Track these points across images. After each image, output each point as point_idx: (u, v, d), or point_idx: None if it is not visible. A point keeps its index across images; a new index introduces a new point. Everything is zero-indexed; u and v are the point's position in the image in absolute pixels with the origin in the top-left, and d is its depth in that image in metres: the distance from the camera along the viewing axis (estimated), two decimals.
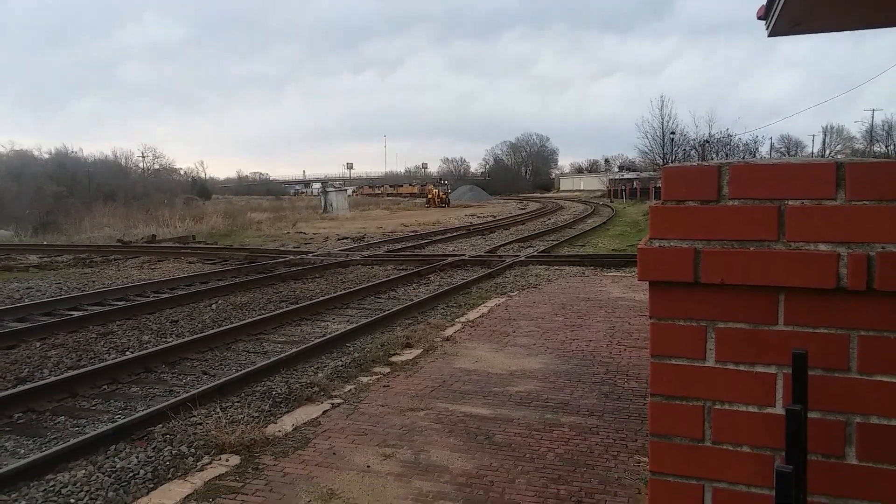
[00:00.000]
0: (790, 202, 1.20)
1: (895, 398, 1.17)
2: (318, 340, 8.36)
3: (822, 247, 1.18)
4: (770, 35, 7.02)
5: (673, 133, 65.68)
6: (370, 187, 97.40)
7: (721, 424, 1.28)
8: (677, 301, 1.29)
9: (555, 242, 21.47)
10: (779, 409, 1.23)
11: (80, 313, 10.59)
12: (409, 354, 7.32)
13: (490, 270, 14.40)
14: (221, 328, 9.25)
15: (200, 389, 6.34)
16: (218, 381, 6.62)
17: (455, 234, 25.88)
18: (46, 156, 57.11)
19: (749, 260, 1.21)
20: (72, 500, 4.43)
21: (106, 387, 6.98)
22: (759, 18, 6.85)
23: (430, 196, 58.59)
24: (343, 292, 12.12)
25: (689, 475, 1.30)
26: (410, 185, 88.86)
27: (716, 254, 1.24)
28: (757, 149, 66.81)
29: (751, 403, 1.25)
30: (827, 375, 1.21)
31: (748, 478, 1.26)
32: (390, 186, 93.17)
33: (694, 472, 1.30)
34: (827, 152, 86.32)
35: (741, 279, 1.22)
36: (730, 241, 1.24)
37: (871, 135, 78.33)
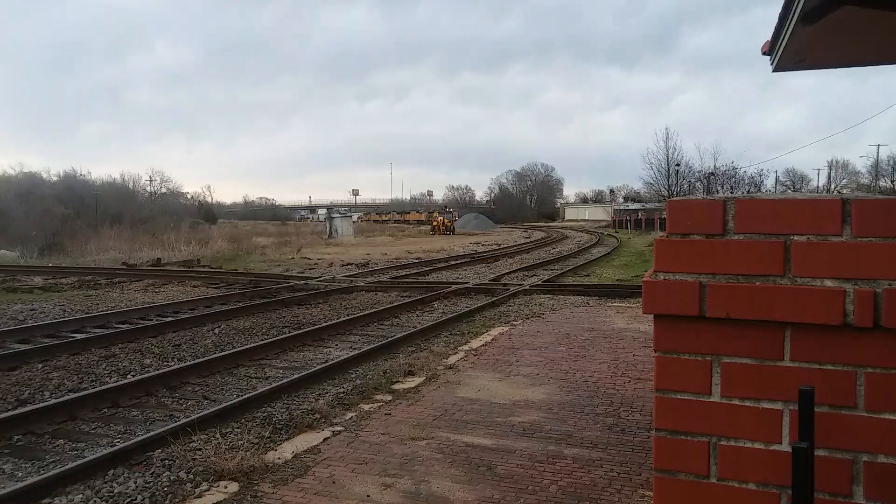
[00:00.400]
0: (796, 237, 1.20)
1: None
2: (319, 367, 8.32)
3: (829, 283, 1.17)
4: (775, 70, 7.07)
5: (678, 165, 65.93)
6: (377, 214, 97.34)
7: (727, 461, 1.26)
8: (682, 335, 1.28)
9: (559, 272, 21.44)
10: (785, 447, 1.21)
11: (83, 336, 10.58)
12: (411, 382, 7.27)
13: (494, 299, 14.37)
14: (223, 353, 9.22)
15: (200, 414, 6.30)
16: (218, 407, 6.59)
17: (459, 261, 25.89)
18: (55, 178, 57.67)
19: (755, 295, 1.21)
20: None
21: (106, 410, 6.95)
22: (764, 54, 6.91)
23: (434, 224, 58.76)
24: (346, 318, 12.10)
25: None
26: (417, 212, 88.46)
27: (721, 288, 1.24)
28: (762, 182, 66.91)
29: (757, 440, 1.24)
30: (834, 413, 1.19)
31: None
32: (397, 213, 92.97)
33: None
34: (832, 187, 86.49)
35: (747, 314, 1.22)
36: (735, 275, 1.23)
37: (876, 169, 78.54)
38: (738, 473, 1.25)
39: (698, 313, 1.25)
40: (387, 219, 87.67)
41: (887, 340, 1.15)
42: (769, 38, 6.64)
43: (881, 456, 1.17)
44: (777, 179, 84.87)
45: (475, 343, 9.48)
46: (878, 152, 79.12)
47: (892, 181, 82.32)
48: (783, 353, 1.22)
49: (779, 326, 1.21)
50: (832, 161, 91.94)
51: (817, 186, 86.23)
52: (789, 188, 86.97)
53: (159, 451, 5.52)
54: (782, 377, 1.22)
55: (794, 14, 5.18)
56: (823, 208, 1.19)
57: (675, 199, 1.32)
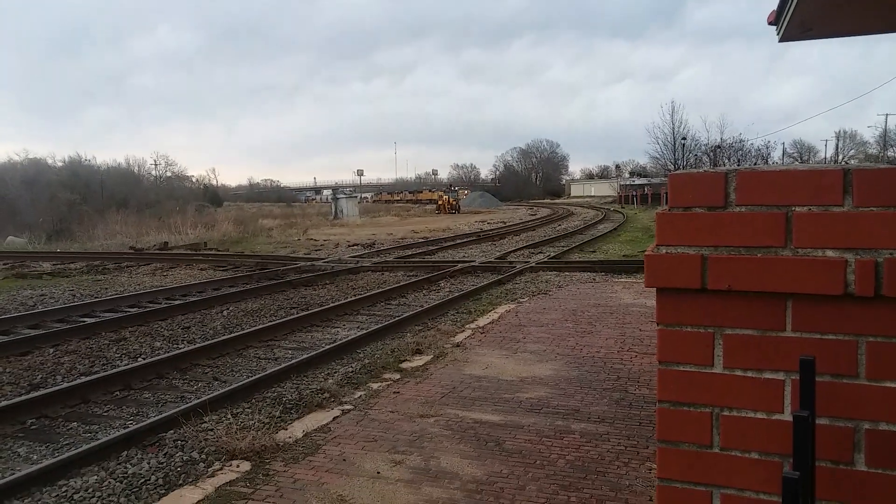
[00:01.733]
0: (797, 209, 1.20)
1: None
2: (328, 347, 8.38)
3: (830, 253, 1.18)
4: (781, 40, 7.00)
5: (684, 139, 65.41)
6: (388, 193, 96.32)
7: (729, 431, 1.27)
8: (685, 307, 1.29)
9: (565, 248, 21.43)
10: (787, 416, 1.23)
11: (93, 320, 10.67)
12: (419, 361, 7.32)
13: (500, 276, 14.39)
14: (232, 335, 9.29)
15: (211, 396, 6.37)
16: (229, 388, 6.65)
17: (465, 240, 25.89)
18: (60, 164, 57.66)
19: (756, 266, 1.22)
20: None
21: (118, 393, 7.03)
22: (770, 24, 6.83)
23: (440, 202, 58.68)
24: (353, 298, 12.15)
25: (697, 482, 1.30)
26: (430, 191, 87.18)
27: (723, 260, 1.24)
28: (769, 154, 66.32)
29: (759, 410, 1.25)
30: (835, 382, 1.20)
31: (757, 484, 1.25)
32: (409, 193, 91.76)
33: (702, 479, 1.30)
34: (840, 157, 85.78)
35: (749, 285, 1.22)
36: (737, 247, 1.24)
37: (884, 139, 77.72)
38: (740, 443, 1.26)
39: (700, 286, 1.26)
40: (399, 198, 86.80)
41: (888, 309, 1.15)
42: (775, 7, 6.57)
43: (882, 423, 1.18)
44: (784, 151, 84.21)
45: (482, 321, 9.52)
46: (885, 122, 78.66)
47: None
48: (785, 324, 1.23)
49: (780, 297, 1.22)
50: (840, 132, 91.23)
51: (825, 157, 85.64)
52: (796, 160, 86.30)
53: (171, 432, 5.59)
54: (784, 347, 1.23)
55: None
56: (825, 179, 1.19)
57: (676, 172, 1.32)
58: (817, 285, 1.18)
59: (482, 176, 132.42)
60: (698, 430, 1.30)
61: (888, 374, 1.17)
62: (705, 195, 1.26)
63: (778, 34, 6.83)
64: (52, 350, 8.86)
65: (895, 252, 1.14)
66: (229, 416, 5.99)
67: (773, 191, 1.22)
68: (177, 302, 12.39)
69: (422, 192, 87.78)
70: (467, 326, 9.19)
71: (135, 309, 11.80)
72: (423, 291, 13.48)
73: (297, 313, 10.94)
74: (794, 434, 1.02)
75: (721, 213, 1.25)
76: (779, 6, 6.42)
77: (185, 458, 5.09)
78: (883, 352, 1.17)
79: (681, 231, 1.28)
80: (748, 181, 1.24)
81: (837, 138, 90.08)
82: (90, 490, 4.64)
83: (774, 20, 6.69)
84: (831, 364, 1.20)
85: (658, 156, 69.60)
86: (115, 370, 7.53)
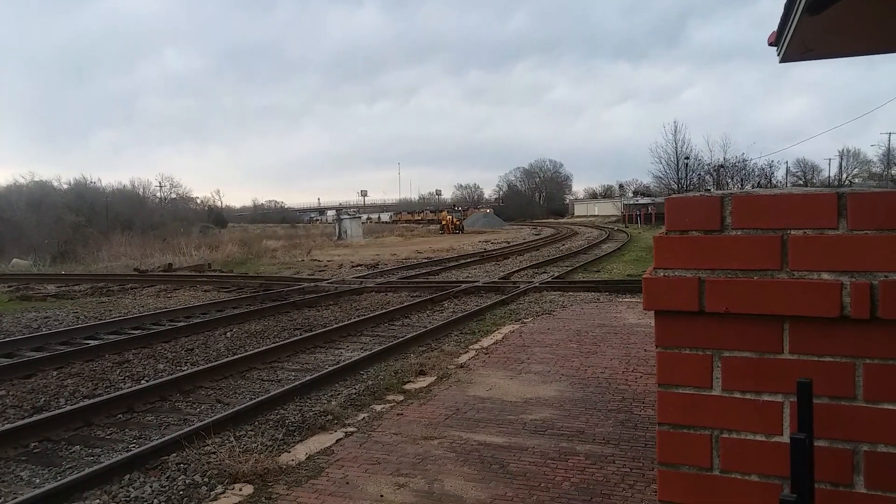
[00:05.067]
0: (793, 232, 1.21)
1: None
2: (331, 368, 8.37)
3: (826, 276, 1.19)
4: (782, 61, 7.04)
5: (687, 158, 65.59)
6: (409, 213, 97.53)
7: (729, 453, 1.28)
8: (683, 330, 1.30)
9: (569, 268, 21.42)
10: (786, 438, 1.22)
11: (97, 342, 10.68)
12: (422, 382, 7.30)
13: (504, 297, 14.38)
14: (236, 356, 9.29)
15: (214, 418, 6.36)
16: (232, 410, 6.64)
17: (469, 260, 25.90)
18: (66, 186, 58.05)
19: (753, 289, 1.22)
20: None
21: (121, 416, 7.02)
22: (771, 45, 6.89)
23: (444, 222, 58.76)
24: (357, 319, 12.15)
25: None
26: (458, 209, 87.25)
27: (720, 283, 1.25)
28: (772, 173, 66.37)
29: (758, 432, 1.25)
30: (833, 404, 1.21)
31: None
32: (430, 212, 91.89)
33: (703, 501, 1.29)
34: (844, 176, 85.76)
35: (746, 308, 1.23)
36: (734, 270, 1.25)
37: (887, 158, 77.78)
38: (740, 465, 1.26)
39: (698, 308, 1.27)
40: (420, 217, 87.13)
41: (885, 331, 1.16)
42: (776, 29, 6.63)
43: (881, 445, 1.18)
44: (788, 170, 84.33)
45: (486, 342, 9.50)
46: (889, 140, 78.53)
47: None
48: (782, 346, 1.23)
49: (777, 320, 1.23)
50: (843, 150, 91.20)
51: (829, 176, 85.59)
52: (800, 179, 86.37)
53: (174, 455, 5.57)
54: (782, 370, 1.23)
55: (799, 4, 5.17)
56: (819, 202, 1.21)
57: (673, 196, 1.34)
58: (813, 308, 1.18)
59: (486, 196, 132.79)
60: (698, 453, 1.30)
61: (886, 395, 1.18)
62: (702, 219, 1.28)
63: (779, 55, 6.87)
64: (55, 373, 8.87)
65: (890, 275, 1.15)
66: (232, 438, 5.97)
67: (769, 214, 1.23)
68: (180, 324, 12.40)
69: (442, 211, 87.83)
70: (471, 347, 9.17)
71: (138, 331, 11.82)
72: (427, 312, 13.47)
73: (301, 334, 10.93)
74: (791, 456, 1.02)
75: (718, 236, 1.27)
76: (779, 27, 6.47)
77: (187, 481, 5.07)
78: (880, 374, 1.18)
79: (678, 254, 1.29)
80: (744, 205, 1.25)
81: (841, 157, 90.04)
82: None
83: (775, 41, 6.74)
84: (829, 386, 1.20)
85: (661, 175, 69.85)
86: (118, 393, 7.53)
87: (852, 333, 1.18)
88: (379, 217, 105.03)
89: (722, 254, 1.26)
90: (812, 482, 1.09)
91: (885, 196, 1.17)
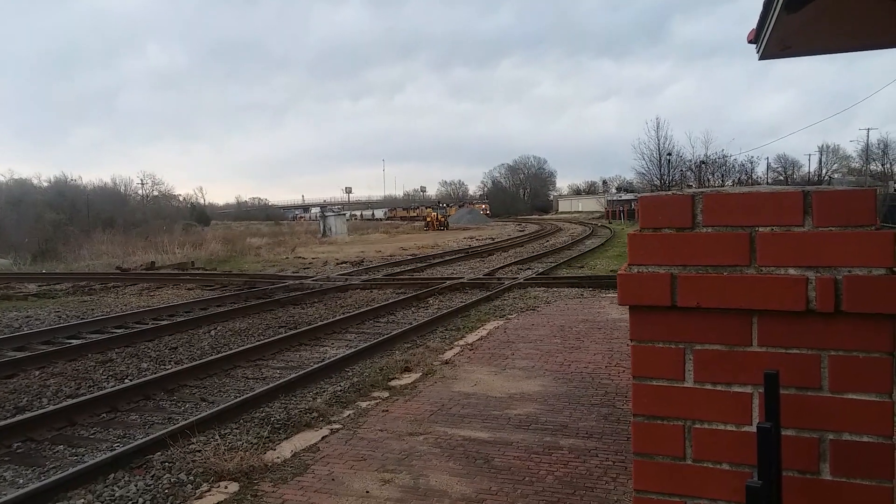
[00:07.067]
0: (761, 229, 1.26)
1: (866, 415, 1.22)
2: (316, 366, 8.37)
3: (792, 271, 1.23)
4: (761, 58, 7.13)
5: (669, 154, 66.06)
6: (403, 210, 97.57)
7: (701, 443, 1.32)
8: (656, 324, 1.34)
9: (553, 264, 21.52)
10: (755, 428, 1.27)
11: (79, 341, 10.60)
12: (407, 378, 7.33)
13: (489, 293, 14.44)
14: (220, 354, 9.26)
15: (199, 416, 6.35)
16: (216, 408, 6.63)
17: (454, 256, 25.94)
18: (46, 184, 57.53)
19: (723, 284, 1.27)
20: None
21: (105, 415, 6.99)
22: (750, 42, 6.97)
23: (428, 219, 58.79)
24: (342, 317, 12.15)
25: (671, 493, 1.34)
26: (449, 206, 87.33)
27: (691, 279, 1.29)
28: (753, 169, 67.11)
29: (729, 422, 1.30)
30: (800, 394, 1.25)
31: (728, 495, 1.30)
32: (426, 207, 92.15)
33: (676, 490, 1.34)
34: (823, 172, 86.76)
35: (716, 303, 1.28)
36: (704, 266, 1.29)
37: (866, 153, 78.81)
38: (712, 455, 1.31)
39: (670, 303, 1.31)
40: (416, 214, 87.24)
41: (848, 324, 1.21)
42: (755, 26, 6.71)
43: (846, 434, 1.23)
44: (769, 166, 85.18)
45: (471, 338, 9.55)
46: (867, 136, 79.52)
47: (882, 164, 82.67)
48: (751, 339, 1.28)
49: (746, 314, 1.27)
50: (823, 146, 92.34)
51: (809, 171, 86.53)
52: (781, 175, 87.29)
53: (159, 453, 5.56)
54: (751, 362, 1.28)
55: (777, 2, 5.24)
56: (786, 200, 1.25)
57: (646, 195, 1.38)
58: (780, 302, 1.23)
59: (470, 192, 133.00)
60: (672, 443, 1.34)
61: (850, 386, 1.23)
62: (674, 216, 1.32)
63: (758, 52, 6.96)
64: (37, 372, 8.80)
65: (853, 269, 1.19)
66: (217, 436, 5.97)
67: (738, 212, 1.28)
68: (164, 322, 12.33)
69: (451, 206, 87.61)
70: (456, 343, 9.21)
71: (121, 330, 11.75)
72: (412, 309, 13.50)
73: (286, 332, 10.92)
74: (758, 445, 1.07)
75: (689, 233, 1.31)
76: (758, 25, 6.55)
77: (172, 479, 5.07)
78: (844, 365, 1.23)
79: (651, 251, 1.33)
80: (714, 203, 1.30)
81: (821, 153, 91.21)
82: None
83: (754, 39, 6.82)
84: (796, 377, 1.25)
85: (644, 171, 70.27)
86: (101, 392, 7.49)
87: (817, 326, 1.23)
88: (373, 214, 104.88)
89: (693, 250, 1.30)
90: (779, 469, 1.13)
91: (848, 194, 1.22)
